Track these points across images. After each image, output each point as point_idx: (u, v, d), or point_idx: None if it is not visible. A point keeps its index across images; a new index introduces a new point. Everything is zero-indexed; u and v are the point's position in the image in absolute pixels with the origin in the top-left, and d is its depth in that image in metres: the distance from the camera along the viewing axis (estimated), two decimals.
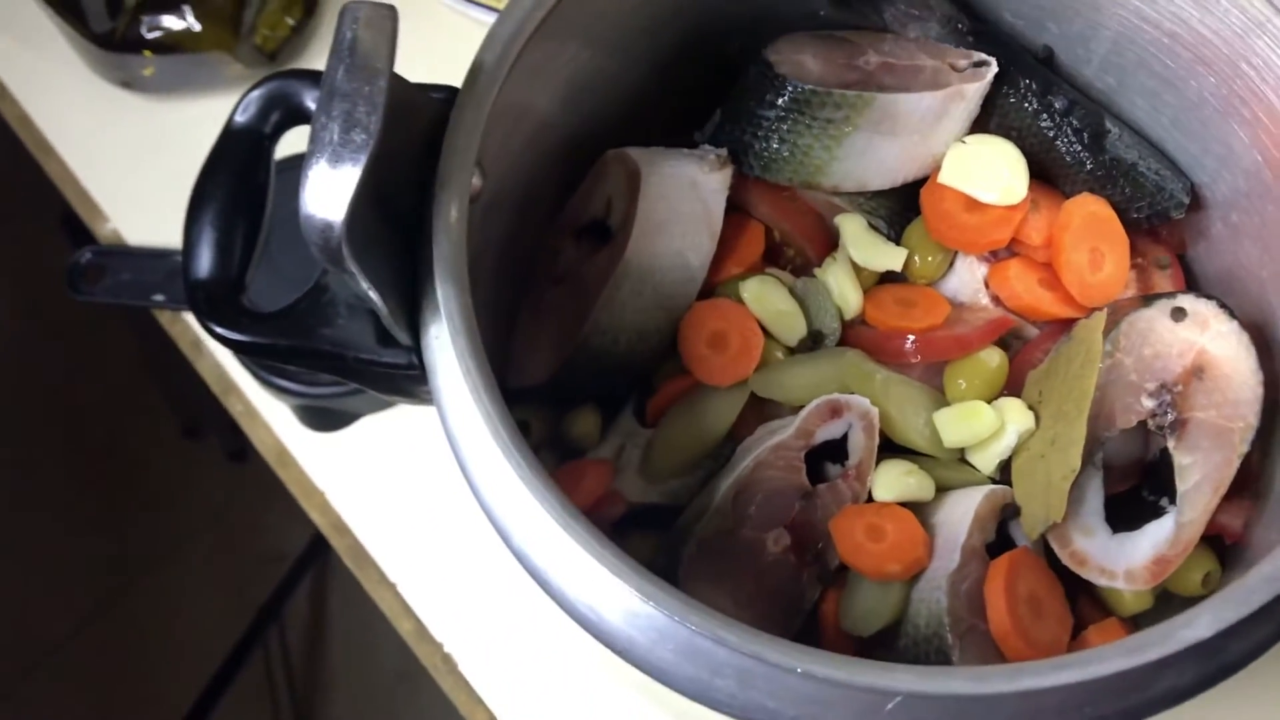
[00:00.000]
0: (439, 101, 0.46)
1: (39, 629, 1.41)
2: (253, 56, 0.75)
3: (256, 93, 0.47)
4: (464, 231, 0.43)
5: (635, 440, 0.55)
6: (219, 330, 0.44)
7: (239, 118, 0.47)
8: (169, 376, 1.37)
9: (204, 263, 0.45)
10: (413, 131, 0.45)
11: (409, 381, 0.44)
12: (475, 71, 0.45)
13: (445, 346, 0.41)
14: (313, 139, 0.38)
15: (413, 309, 0.43)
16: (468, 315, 0.41)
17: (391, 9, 0.40)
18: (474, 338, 0.40)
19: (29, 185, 0.91)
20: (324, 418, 0.67)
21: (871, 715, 0.37)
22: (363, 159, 0.38)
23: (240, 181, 0.46)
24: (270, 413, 0.69)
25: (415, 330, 0.43)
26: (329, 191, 0.38)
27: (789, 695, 0.38)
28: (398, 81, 0.43)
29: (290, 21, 0.76)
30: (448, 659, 0.62)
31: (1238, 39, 0.48)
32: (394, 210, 0.44)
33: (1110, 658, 0.36)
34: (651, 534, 0.54)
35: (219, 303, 0.45)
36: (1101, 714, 0.38)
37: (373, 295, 0.40)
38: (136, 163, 0.77)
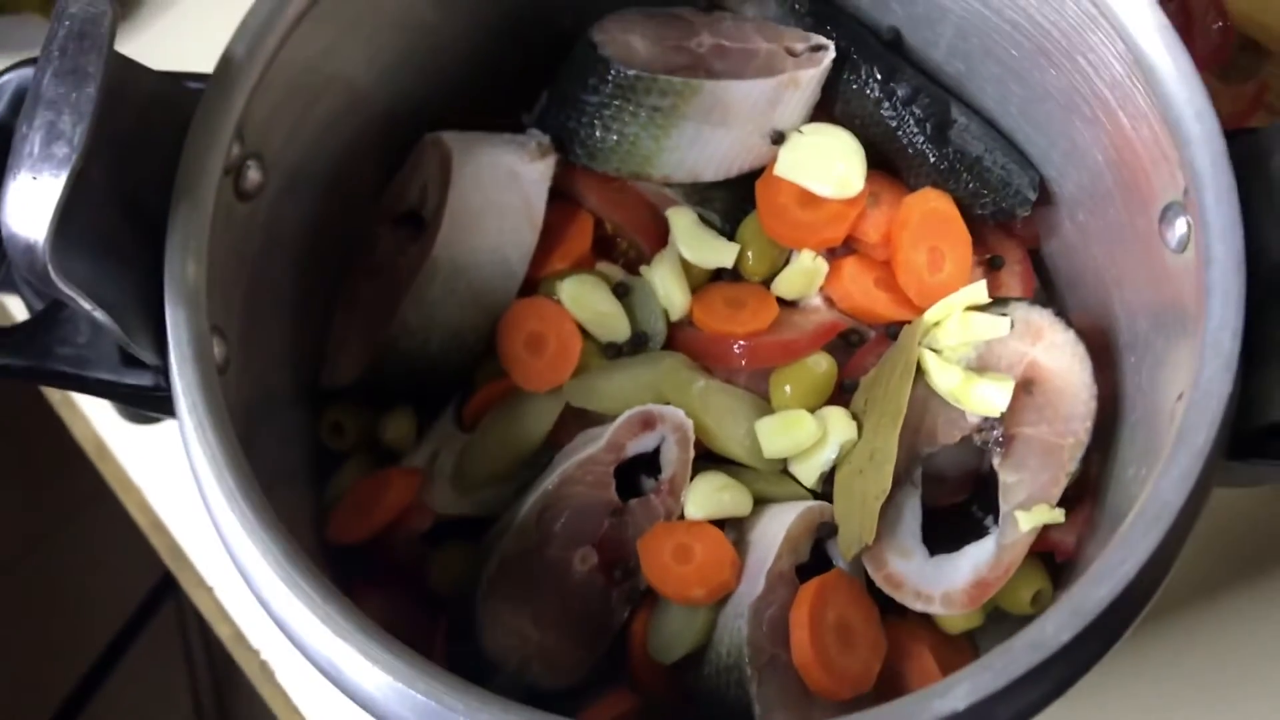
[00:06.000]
0: (197, 93, 0.42)
1: None
2: None
3: (2, 81, 0.43)
4: (204, 244, 0.39)
5: (451, 446, 0.52)
6: None
7: None
8: None
9: None
10: (165, 127, 0.41)
11: (160, 404, 0.41)
12: (224, 63, 0.41)
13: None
14: (13, 150, 0.34)
15: (161, 324, 0.40)
16: (199, 341, 0.37)
17: (108, 5, 0.36)
18: (206, 366, 0.37)
19: None
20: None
21: None
22: (64, 174, 0.34)
23: None
24: (88, 402, 0.65)
25: (164, 349, 0.40)
26: (30, 209, 0.34)
27: None
28: (140, 74, 0.40)
29: None
30: (265, 666, 0.59)
31: (1075, 33, 0.45)
32: (148, 214, 0.41)
33: None
34: (466, 545, 0.51)
35: None
36: None
37: (99, 315, 0.37)
38: None
